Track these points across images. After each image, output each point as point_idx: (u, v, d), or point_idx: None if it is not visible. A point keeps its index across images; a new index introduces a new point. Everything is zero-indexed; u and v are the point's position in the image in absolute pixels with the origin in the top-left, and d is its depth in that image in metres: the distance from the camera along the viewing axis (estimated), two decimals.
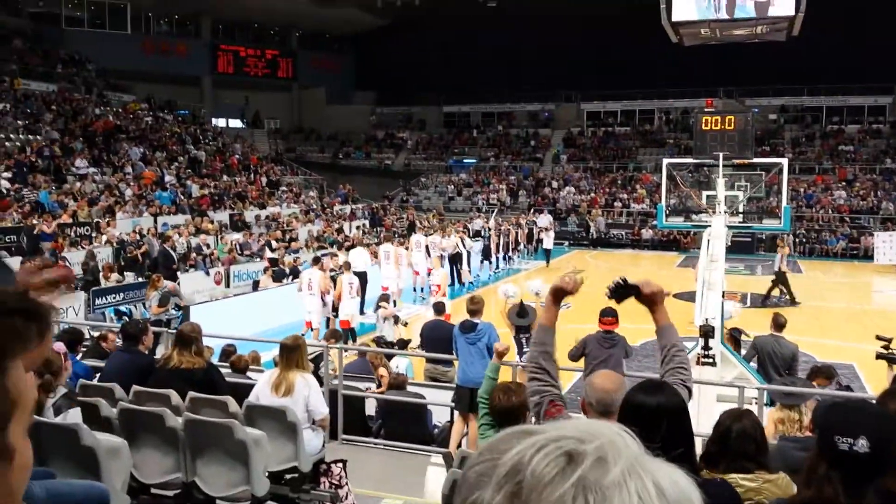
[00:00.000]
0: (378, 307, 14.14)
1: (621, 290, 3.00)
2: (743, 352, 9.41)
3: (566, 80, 44.83)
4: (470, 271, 22.25)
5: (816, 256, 30.49)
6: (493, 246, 24.45)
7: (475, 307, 8.30)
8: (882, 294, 22.88)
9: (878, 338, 7.89)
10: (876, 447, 2.12)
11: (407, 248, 20.10)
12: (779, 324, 9.07)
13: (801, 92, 42.79)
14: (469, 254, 22.35)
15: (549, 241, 26.90)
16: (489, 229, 25.19)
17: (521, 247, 27.77)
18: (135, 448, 5.11)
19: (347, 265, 15.12)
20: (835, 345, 10.86)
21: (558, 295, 3.15)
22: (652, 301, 3.04)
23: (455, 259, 21.65)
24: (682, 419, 2.51)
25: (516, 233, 27.03)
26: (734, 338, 9.65)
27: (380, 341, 11.53)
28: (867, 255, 27.88)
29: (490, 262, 24.25)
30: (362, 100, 50.89)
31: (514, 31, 41.39)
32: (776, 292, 19.76)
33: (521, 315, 9.73)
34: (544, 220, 31.44)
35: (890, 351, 7.70)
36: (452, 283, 20.95)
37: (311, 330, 14.06)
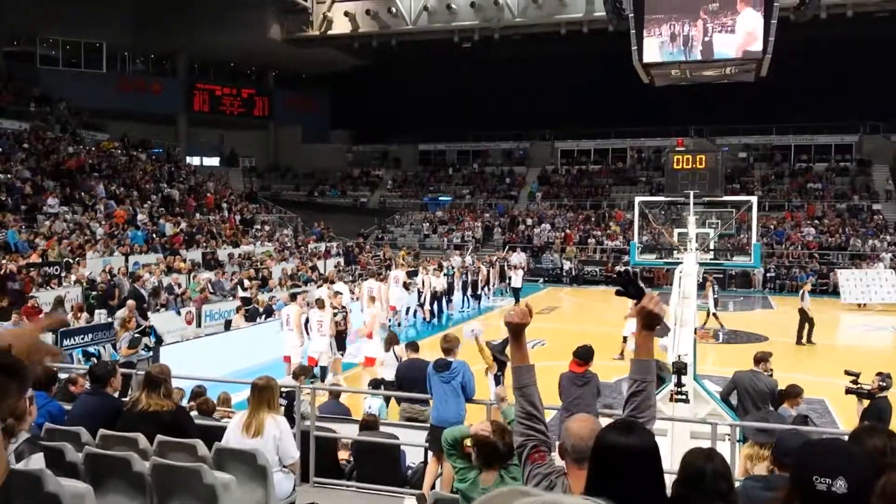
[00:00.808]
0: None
1: (625, 282, 2.96)
2: (709, 384, 9.51)
3: (540, 119, 45.47)
4: (433, 310, 22.55)
5: (787, 292, 30.82)
6: (458, 284, 24.66)
7: (448, 345, 8.23)
8: (852, 329, 23.15)
9: (847, 373, 8.17)
10: (852, 487, 2.12)
11: (385, 283, 20.20)
12: (757, 359, 9.20)
13: (770, 131, 43.70)
14: (436, 292, 22.63)
15: (517, 280, 26.48)
16: (453, 268, 25.27)
17: (493, 285, 27.69)
18: (100, 494, 4.99)
19: (321, 302, 15.00)
20: (806, 379, 10.98)
21: (513, 331, 3.13)
22: (643, 317, 2.97)
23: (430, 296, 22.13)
24: (653, 460, 2.49)
25: (487, 271, 26.99)
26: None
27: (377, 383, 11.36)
28: (836, 291, 28.21)
29: (450, 301, 24.12)
30: (338, 139, 51.15)
31: (489, 71, 42.01)
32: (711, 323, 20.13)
33: (501, 351, 9.69)
34: (516, 258, 31.60)
35: (859, 385, 7.95)
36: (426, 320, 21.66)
37: (290, 364, 13.97)
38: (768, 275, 32.10)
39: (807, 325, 19.26)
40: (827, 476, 2.14)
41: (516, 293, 26.24)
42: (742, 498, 3.74)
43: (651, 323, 2.97)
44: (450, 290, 24.22)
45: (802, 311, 19.36)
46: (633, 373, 3.05)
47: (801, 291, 20.19)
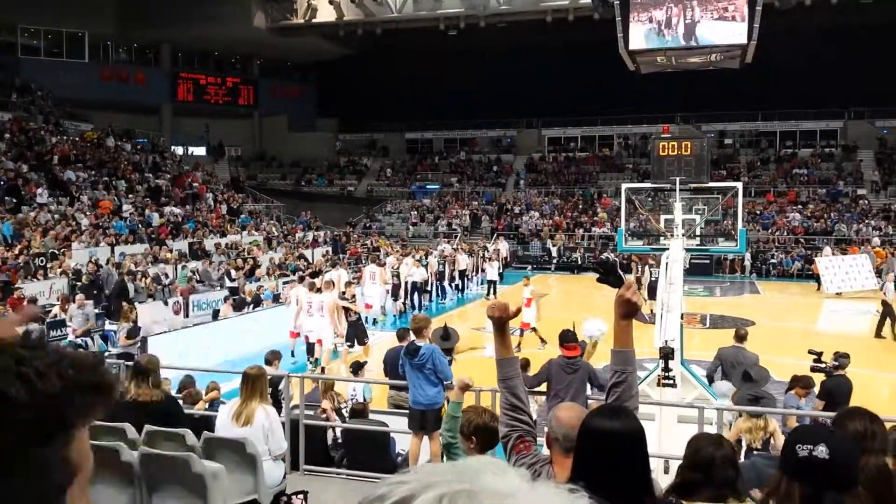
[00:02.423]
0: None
1: (605, 270, 2.97)
2: (695, 368, 9.62)
3: (527, 107, 45.47)
4: (412, 302, 21.68)
5: (774, 277, 31.07)
6: (432, 274, 23.60)
7: (417, 325, 8.11)
8: (835, 314, 23.31)
9: (811, 352, 8.72)
10: (834, 455, 2.15)
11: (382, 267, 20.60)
12: (740, 335, 9.75)
13: (756, 117, 43.90)
14: (415, 283, 21.83)
15: (492, 272, 24.56)
16: (425, 257, 24.69)
17: (471, 275, 26.56)
18: (89, 484, 4.98)
19: (328, 284, 15.26)
20: (791, 363, 11.07)
21: (497, 324, 3.14)
22: (620, 306, 2.91)
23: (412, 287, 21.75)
24: (638, 445, 2.48)
25: (472, 260, 26.17)
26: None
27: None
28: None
29: (427, 292, 23.00)
30: (324, 127, 50.91)
31: (476, 59, 41.90)
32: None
33: (444, 338, 9.65)
34: (501, 246, 31.43)
35: (824, 363, 8.49)
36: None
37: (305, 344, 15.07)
38: (755, 262, 32.23)
39: (888, 319, 18.31)
40: (808, 443, 2.17)
41: (491, 286, 24.30)
42: (751, 472, 3.77)
43: (629, 312, 2.93)
44: (440, 278, 23.93)
45: (886, 304, 18.47)
46: (614, 363, 3.02)
47: (883, 283, 19.40)
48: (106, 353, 12.94)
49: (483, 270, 26.18)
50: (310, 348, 14.99)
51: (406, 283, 21.52)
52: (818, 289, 26.80)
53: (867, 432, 2.92)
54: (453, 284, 25.34)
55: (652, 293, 20.42)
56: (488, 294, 24.18)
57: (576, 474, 2.39)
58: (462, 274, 25.67)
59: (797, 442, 2.22)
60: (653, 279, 20.58)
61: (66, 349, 0.87)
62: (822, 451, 2.15)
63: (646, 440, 2.54)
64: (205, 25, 37.80)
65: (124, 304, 14.92)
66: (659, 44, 12.75)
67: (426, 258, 24.48)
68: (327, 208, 40.97)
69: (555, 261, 34.54)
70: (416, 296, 21.87)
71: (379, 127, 49.75)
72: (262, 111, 48.95)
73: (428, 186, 44.60)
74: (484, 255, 27.97)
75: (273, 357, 9.48)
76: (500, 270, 27.86)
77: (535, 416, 9.22)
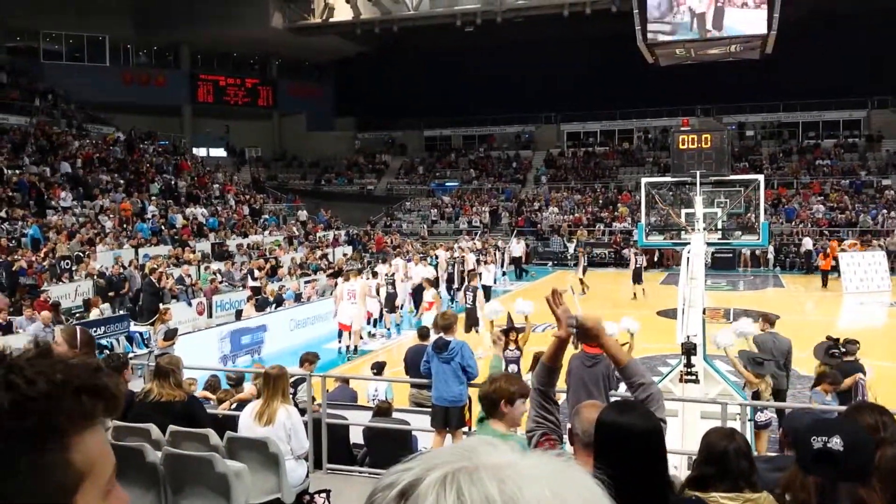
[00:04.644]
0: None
1: (580, 331, 3.03)
2: (719, 363, 9.61)
3: (545, 102, 45.29)
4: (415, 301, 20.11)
5: (797, 270, 30.69)
6: (442, 274, 23.08)
7: (446, 322, 8.08)
8: (863, 307, 23.00)
9: (828, 338, 9.22)
10: (849, 447, 2.13)
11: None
12: (771, 321, 10.07)
13: (777, 108, 43.40)
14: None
15: (488, 276, 21.79)
16: (436, 257, 24.30)
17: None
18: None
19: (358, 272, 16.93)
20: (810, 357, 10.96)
21: (586, 334, 3.10)
22: (583, 331, 3.02)
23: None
24: (652, 441, 2.48)
25: (477, 261, 24.53)
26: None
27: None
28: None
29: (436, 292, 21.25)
30: (343, 126, 51.08)
31: (493, 55, 41.80)
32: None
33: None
34: (514, 247, 31.20)
35: (842, 349, 9.02)
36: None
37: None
38: (778, 255, 31.84)
39: None
40: (823, 434, 2.15)
41: (484, 292, 19.09)
42: None
43: (590, 334, 3.03)
44: (449, 281, 23.29)
45: None
46: (625, 377, 3.10)
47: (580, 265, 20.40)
48: (131, 355, 13.07)
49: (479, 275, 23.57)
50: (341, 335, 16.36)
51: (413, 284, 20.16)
52: (824, 286, 26.20)
53: (878, 424, 2.89)
54: (453, 287, 23.64)
55: (636, 278, 23.69)
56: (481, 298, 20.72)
57: (596, 469, 2.39)
58: (471, 274, 24.41)
59: (812, 433, 2.20)
60: (637, 266, 23.91)
61: (70, 358, 0.87)
62: (836, 442, 2.13)
63: (662, 435, 2.54)
64: (223, 26, 38.08)
65: (161, 305, 15.30)
66: (678, 36, 12.66)
67: (435, 258, 24.19)
68: (348, 207, 41.09)
69: (573, 258, 34.28)
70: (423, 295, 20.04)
71: (397, 125, 49.81)
72: (280, 111, 49.21)
73: (447, 184, 44.59)
74: (497, 251, 27.61)
75: (312, 357, 9.20)
76: (504, 270, 27.44)
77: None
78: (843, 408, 4.48)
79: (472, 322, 15.64)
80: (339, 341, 16.42)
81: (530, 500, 0.70)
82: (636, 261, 24.07)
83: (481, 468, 0.72)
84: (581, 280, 24.44)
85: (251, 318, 16.74)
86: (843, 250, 26.86)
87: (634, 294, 23.54)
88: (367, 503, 0.77)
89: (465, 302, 16.52)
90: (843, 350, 8.96)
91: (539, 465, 0.74)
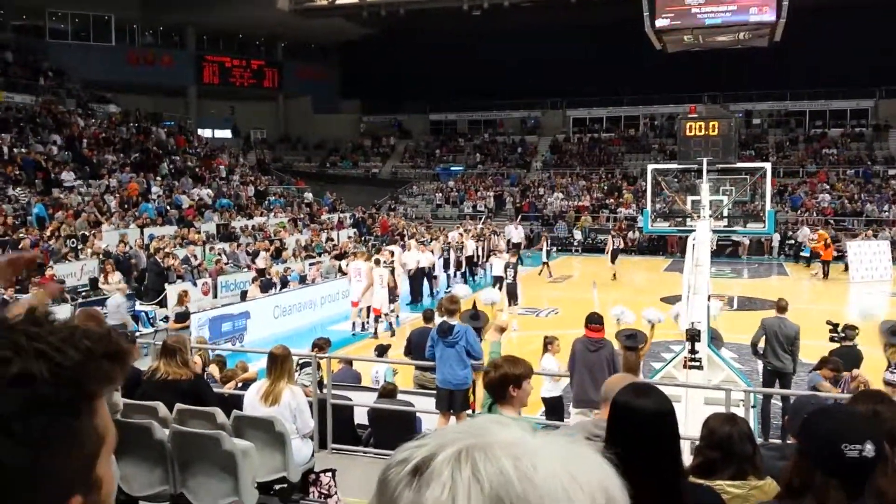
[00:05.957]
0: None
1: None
2: (724, 351, 9.73)
3: (552, 87, 45.08)
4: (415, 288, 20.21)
5: (792, 259, 30.59)
6: (439, 261, 22.34)
7: (452, 307, 8.18)
8: (869, 297, 22.94)
9: (828, 323, 9.61)
10: (878, 449, 2.15)
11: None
12: (781, 307, 10.16)
13: (785, 97, 43.18)
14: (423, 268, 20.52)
15: (499, 267, 19.59)
16: (430, 241, 23.90)
17: (481, 261, 24.85)
18: (122, 461, 5.09)
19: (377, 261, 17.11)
20: (823, 345, 10.92)
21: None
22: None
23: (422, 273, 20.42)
24: (668, 423, 2.49)
25: (476, 246, 24.66)
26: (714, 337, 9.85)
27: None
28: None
29: (435, 278, 21.49)
30: (348, 109, 50.96)
31: (500, 39, 41.59)
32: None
33: (474, 318, 9.67)
34: (513, 234, 31.10)
35: (840, 334, 9.39)
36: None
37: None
38: (786, 242, 31.69)
39: None
40: (856, 442, 2.14)
41: (497, 282, 18.96)
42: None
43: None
44: (445, 265, 22.93)
45: None
46: None
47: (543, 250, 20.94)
48: (138, 333, 13.13)
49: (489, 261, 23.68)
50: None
51: (410, 270, 20.04)
52: (815, 273, 26.17)
53: (870, 414, 2.90)
54: (459, 272, 23.78)
55: (613, 259, 25.49)
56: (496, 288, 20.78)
57: (606, 448, 2.41)
58: (469, 260, 24.27)
59: (842, 441, 2.16)
60: (614, 248, 25.98)
61: (74, 323, 0.89)
62: (870, 449, 2.13)
63: (676, 420, 2.54)
64: (229, 7, 37.89)
65: (180, 289, 15.62)
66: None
67: (430, 242, 23.83)
68: (353, 190, 41.06)
69: (576, 242, 34.27)
70: (424, 282, 20.48)
71: (403, 108, 49.67)
72: (286, 93, 49.09)
73: (452, 168, 44.52)
74: (490, 243, 26.25)
75: (324, 343, 9.18)
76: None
77: (559, 393, 9.32)
78: (846, 395, 4.48)
79: (512, 297, 17.41)
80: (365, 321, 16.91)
81: (545, 477, 0.70)
82: (613, 243, 26.46)
83: (494, 444, 0.73)
84: (545, 263, 25.42)
85: (234, 305, 16.49)
86: (835, 241, 27.05)
87: (614, 274, 24.88)
88: (380, 479, 0.78)
89: (507, 278, 18.02)
90: (843, 335, 9.19)
91: (551, 443, 0.75)
